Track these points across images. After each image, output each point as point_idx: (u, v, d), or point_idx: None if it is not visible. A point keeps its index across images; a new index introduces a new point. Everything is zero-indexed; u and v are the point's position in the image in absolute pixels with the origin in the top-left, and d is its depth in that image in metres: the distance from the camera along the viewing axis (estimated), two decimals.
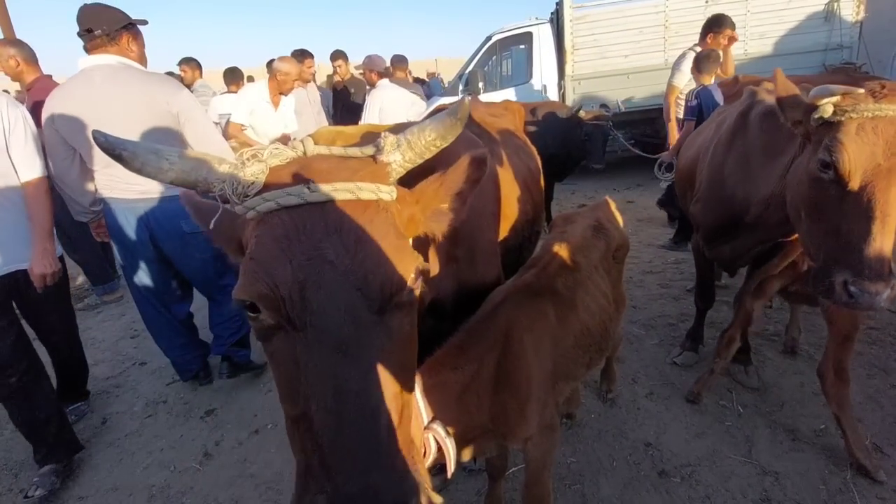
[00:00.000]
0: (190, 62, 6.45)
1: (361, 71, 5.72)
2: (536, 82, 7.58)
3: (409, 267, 0.87)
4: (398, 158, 0.94)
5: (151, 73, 2.58)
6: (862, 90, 1.42)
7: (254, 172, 0.90)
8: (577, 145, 5.41)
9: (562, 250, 1.73)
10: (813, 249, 1.55)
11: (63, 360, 2.87)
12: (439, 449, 1.26)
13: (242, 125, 4.29)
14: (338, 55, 6.45)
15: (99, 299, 4.70)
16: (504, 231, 1.92)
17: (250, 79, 7.28)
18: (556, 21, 7.47)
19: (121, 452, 2.60)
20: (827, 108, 1.42)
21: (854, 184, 1.37)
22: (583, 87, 7.44)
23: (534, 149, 2.54)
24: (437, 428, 1.20)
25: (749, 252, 2.35)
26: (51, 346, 2.80)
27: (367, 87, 5.64)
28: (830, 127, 1.43)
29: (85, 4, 2.41)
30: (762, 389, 2.63)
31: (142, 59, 2.58)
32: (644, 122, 7.59)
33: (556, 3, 7.42)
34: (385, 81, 4.86)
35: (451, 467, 1.29)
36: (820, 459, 2.14)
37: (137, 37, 2.55)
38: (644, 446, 2.30)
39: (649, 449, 2.29)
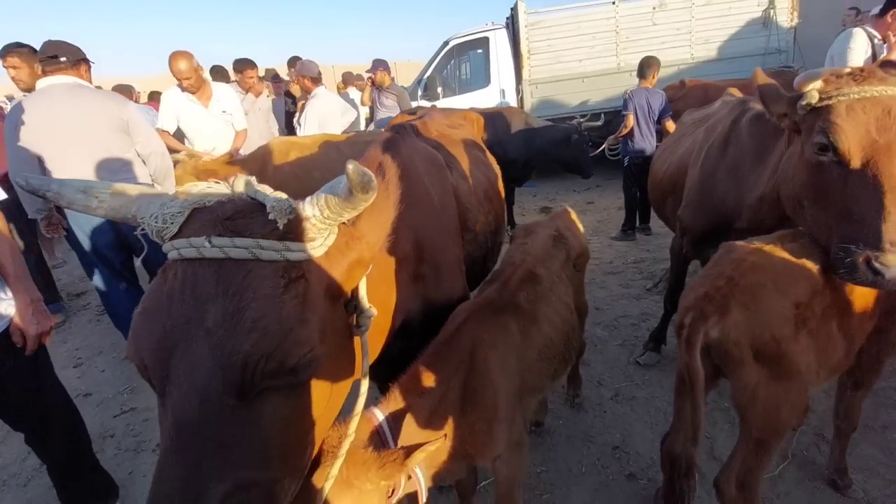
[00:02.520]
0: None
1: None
2: (495, 87, 7.65)
3: (299, 348, 0.75)
4: (316, 214, 0.81)
5: (101, 90, 3.08)
6: (846, 70, 1.47)
7: (173, 214, 0.82)
8: (541, 150, 5.47)
9: (523, 263, 1.72)
10: (823, 235, 1.53)
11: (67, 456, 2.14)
12: (409, 477, 1.22)
13: (166, 131, 4.03)
14: (295, 61, 6.29)
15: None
16: (467, 244, 1.90)
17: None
18: (512, 26, 7.56)
19: None
20: (813, 93, 1.45)
21: (856, 162, 1.38)
22: (540, 91, 7.56)
23: (492, 158, 2.54)
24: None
25: None
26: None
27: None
28: (819, 112, 1.45)
29: (50, 39, 2.93)
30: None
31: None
32: (602, 125, 7.80)
33: (511, 9, 7.52)
34: (322, 90, 4.76)
35: (422, 496, 1.25)
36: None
37: (89, 69, 3.05)
38: (611, 450, 2.33)
39: (616, 452, 2.31)
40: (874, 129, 1.36)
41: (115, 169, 2.82)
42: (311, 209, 0.81)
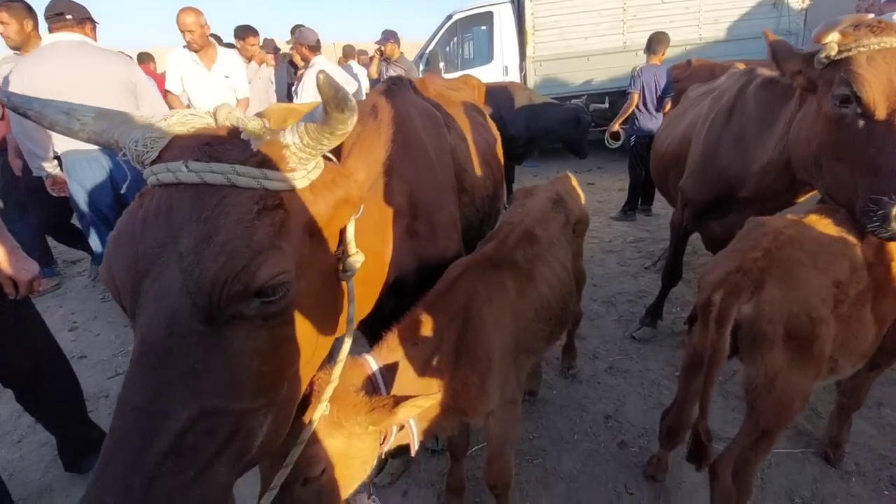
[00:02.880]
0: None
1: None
2: (498, 63, 7.52)
3: (266, 270, 0.73)
4: (296, 141, 0.79)
5: (109, 50, 3.03)
6: (865, 19, 1.44)
7: (154, 139, 0.80)
8: (546, 128, 5.39)
9: (521, 222, 1.69)
10: (844, 194, 1.49)
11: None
12: (402, 426, 1.21)
13: (174, 93, 4.00)
14: (295, 29, 6.13)
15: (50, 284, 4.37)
16: (464, 206, 1.86)
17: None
18: (517, 1, 7.39)
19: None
20: (832, 45, 1.42)
21: (881, 112, 1.36)
22: (544, 69, 7.44)
23: (493, 124, 2.49)
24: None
25: (738, 229, 2.38)
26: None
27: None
28: (838, 65, 1.43)
29: None
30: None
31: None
32: (608, 107, 7.69)
33: None
34: (320, 58, 4.66)
35: (414, 445, 1.25)
36: None
37: (94, 29, 3.12)
38: (604, 419, 2.33)
39: (609, 421, 2.32)
40: None
41: None
42: (290, 136, 0.79)
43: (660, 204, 5.38)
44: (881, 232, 1.36)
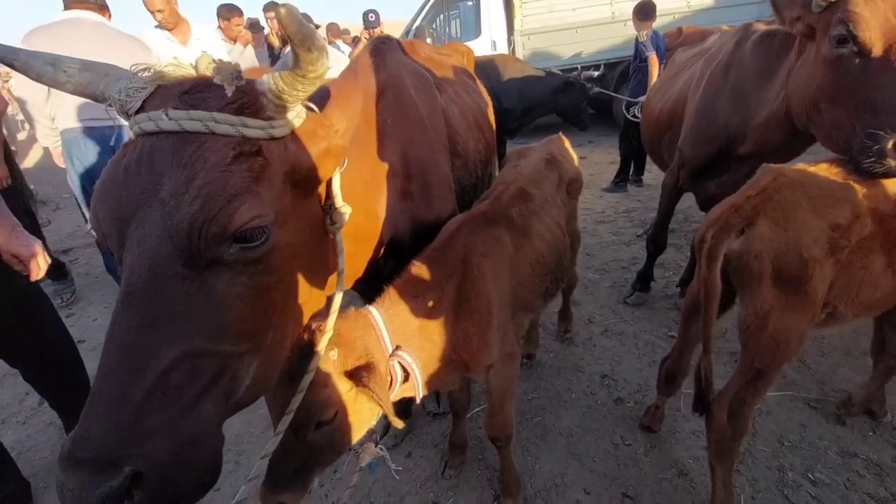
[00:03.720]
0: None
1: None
2: (486, 38, 7.42)
3: (242, 214, 0.75)
4: (272, 88, 0.80)
5: (128, 34, 3.02)
6: None
7: (136, 89, 0.82)
8: (539, 99, 5.34)
9: (515, 181, 1.71)
10: (842, 136, 1.51)
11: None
12: (406, 377, 1.24)
13: None
14: (272, 7, 5.92)
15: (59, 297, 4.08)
16: (457, 170, 1.87)
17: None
18: None
19: (62, 430, 2.42)
20: None
21: (877, 49, 1.37)
22: (532, 43, 7.36)
23: (483, 89, 2.48)
24: (403, 354, 1.18)
25: (734, 188, 2.38)
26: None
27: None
28: (835, 7, 1.44)
29: None
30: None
31: None
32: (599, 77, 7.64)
33: None
34: None
35: (418, 394, 1.28)
36: None
37: (110, 19, 3.05)
38: (600, 378, 2.39)
39: (605, 380, 2.38)
40: (893, 16, 1.35)
41: None
42: (266, 83, 0.81)
43: (651, 175, 5.41)
44: (876, 167, 1.38)
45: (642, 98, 4.88)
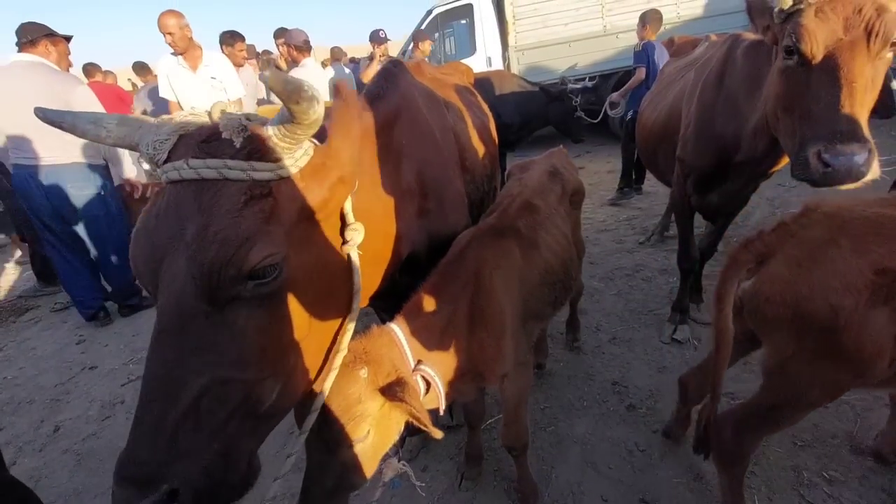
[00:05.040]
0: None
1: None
2: (481, 55, 7.57)
3: (255, 255, 0.81)
4: (276, 133, 0.86)
5: (58, 72, 3.32)
6: None
7: (161, 142, 0.90)
8: (536, 112, 5.46)
9: (521, 194, 1.76)
10: (790, 142, 1.55)
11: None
12: (427, 388, 1.27)
13: (169, 99, 4.02)
14: (281, 33, 6.06)
15: (53, 303, 4.42)
16: (466, 184, 1.92)
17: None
18: None
19: (79, 457, 2.45)
20: (786, 0, 1.48)
21: (818, 60, 1.41)
22: (527, 58, 7.50)
23: (485, 105, 2.55)
24: (426, 368, 1.22)
25: (737, 196, 2.41)
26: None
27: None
28: (791, 18, 1.49)
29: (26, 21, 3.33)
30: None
31: (59, 61, 3.40)
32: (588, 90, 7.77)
33: None
34: (310, 60, 4.66)
35: (441, 405, 1.31)
36: None
37: (57, 44, 3.38)
38: (611, 385, 2.41)
39: (616, 387, 2.40)
40: (841, 28, 1.39)
41: (56, 145, 3.26)
42: (270, 129, 0.87)
43: (649, 182, 5.47)
44: (804, 178, 1.41)
45: (614, 95, 5.22)
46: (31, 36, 3.26)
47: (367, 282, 1.20)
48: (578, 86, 6.24)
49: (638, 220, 4.63)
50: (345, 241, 1.05)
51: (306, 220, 0.94)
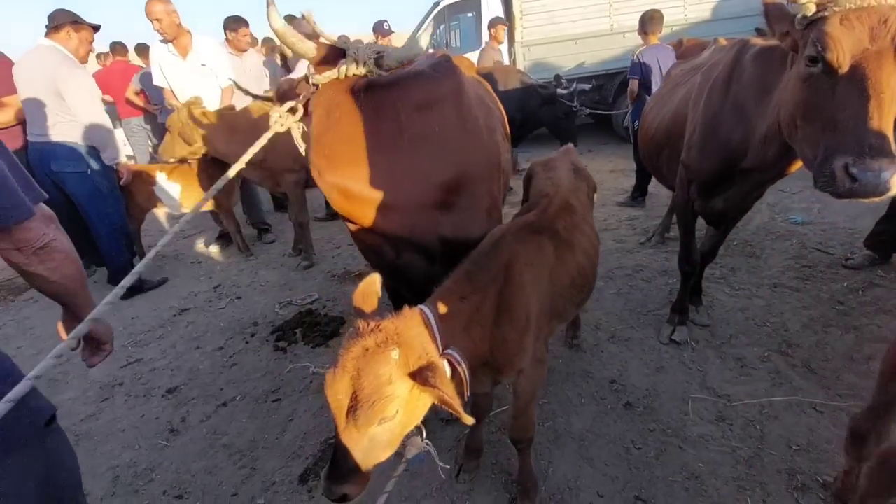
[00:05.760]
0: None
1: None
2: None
3: None
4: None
5: (67, 58, 3.42)
6: None
7: None
8: (535, 112, 5.41)
9: (558, 193, 1.76)
10: (811, 152, 1.52)
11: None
12: (453, 373, 1.28)
13: (163, 87, 4.04)
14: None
15: None
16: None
17: None
18: None
19: (76, 437, 2.46)
20: (809, 6, 1.45)
21: (844, 69, 1.38)
22: (533, 54, 7.47)
23: (498, 100, 2.54)
24: (454, 353, 1.23)
25: (742, 202, 2.39)
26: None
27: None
28: (815, 25, 1.46)
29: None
30: (712, 325, 2.83)
31: (78, 48, 3.50)
32: (594, 89, 7.76)
33: None
34: None
35: (466, 390, 1.31)
36: (765, 381, 2.34)
37: (79, 30, 3.49)
38: (609, 383, 2.43)
39: (614, 385, 2.42)
40: (867, 38, 1.36)
41: (48, 125, 3.43)
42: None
43: (652, 183, 5.46)
44: (828, 188, 1.38)
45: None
46: (57, 22, 3.39)
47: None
48: (571, 88, 6.11)
49: (639, 221, 4.64)
50: None
51: None
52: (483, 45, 6.74)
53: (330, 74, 1.41)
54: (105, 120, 3.63)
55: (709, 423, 2.13)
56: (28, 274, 1.09)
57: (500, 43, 5.82)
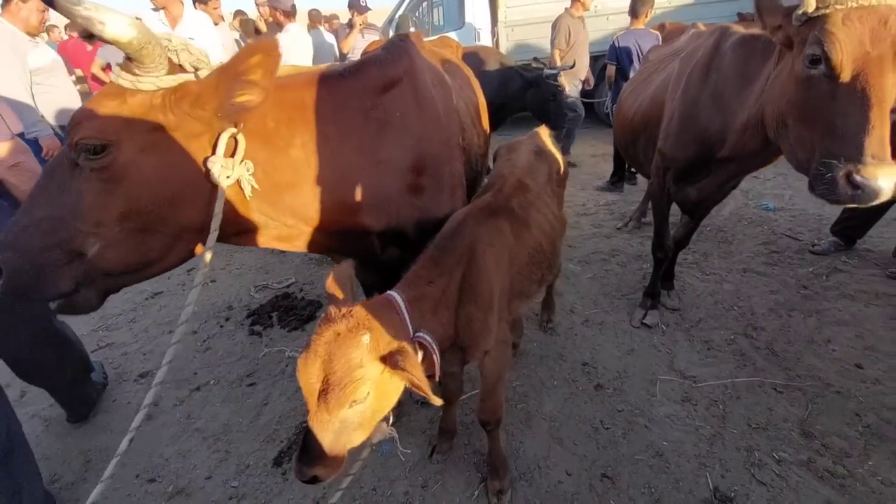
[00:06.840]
0: None
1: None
2: (469, 29, 7.40)
3: (76, 134, 1.06)
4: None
5: (22, 36, 3.32)
6: None
7: None
8: (515, 95, 5.35)
9: (512, 173, 1.79)
10: (804, 155, 1.49)
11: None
12: (424, 356, 1.29)
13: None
14: None
15: None
16: (462, 164, 1.90)
17: None
18: None
19: (46, 422, 2.42)
20: (810, 2, 1.39)
21: (846, 74, 1.35)
22: (516, 35, 7.38)
23: (477, 82, 2.51)
24: (425, 336, 1.24)
25: (718, 191, 2.38)
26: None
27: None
28: (814, 22, 1.41)
29: None
30: (683, 309, 2.90)
31: (29, 16, 3.37)
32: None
33: None
34: (295, 26, 4.53)
35: (437, 371, 1.34)
36: (730, 363, 2.43)
37: (27, 1, 3.34)
38: (581, 366, 2.49)
39: (586, 367, 2.48)
40: (868, 41, 1.33)
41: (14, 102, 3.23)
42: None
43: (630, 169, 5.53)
44: (828, 197, 1.37)
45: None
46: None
47: (274, 230, 1.36)
48: (555, 70, 6.04)
49: (617, 206, 4.69)
50: (209, 174, 1.15)
51: (157, 131, 1.09)
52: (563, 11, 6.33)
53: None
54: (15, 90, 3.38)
55: (675, 404, 2.21)
56: (3, 181, 1.75)
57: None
